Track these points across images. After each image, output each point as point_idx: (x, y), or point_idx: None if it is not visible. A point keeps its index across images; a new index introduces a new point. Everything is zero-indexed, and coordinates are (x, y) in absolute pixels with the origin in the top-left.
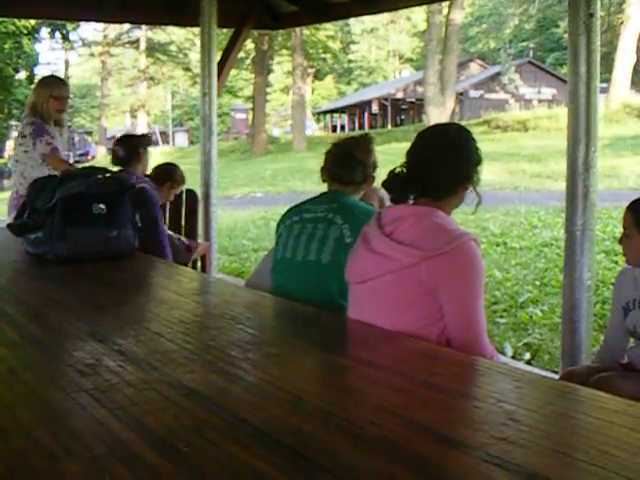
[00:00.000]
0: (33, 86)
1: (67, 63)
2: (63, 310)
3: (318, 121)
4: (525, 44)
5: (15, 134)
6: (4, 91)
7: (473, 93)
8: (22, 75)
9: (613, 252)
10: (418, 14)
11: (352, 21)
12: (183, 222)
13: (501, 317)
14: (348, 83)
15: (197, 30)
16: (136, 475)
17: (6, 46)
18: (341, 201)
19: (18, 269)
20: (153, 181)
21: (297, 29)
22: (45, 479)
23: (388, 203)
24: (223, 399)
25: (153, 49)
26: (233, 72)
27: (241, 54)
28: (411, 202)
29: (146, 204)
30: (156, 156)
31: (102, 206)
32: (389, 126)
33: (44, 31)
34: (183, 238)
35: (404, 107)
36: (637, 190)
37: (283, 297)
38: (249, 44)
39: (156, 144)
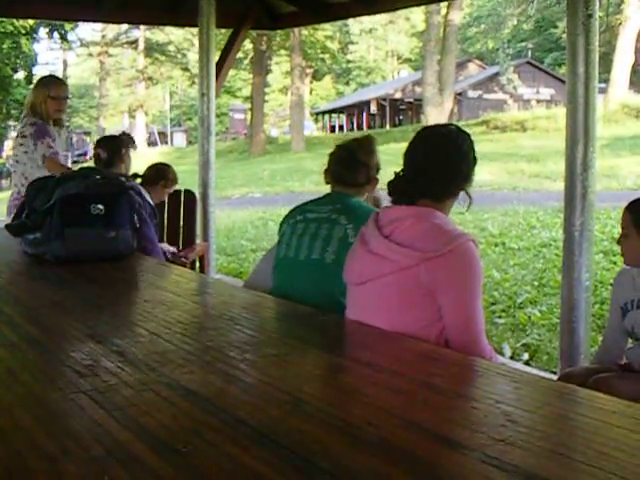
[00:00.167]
0: (32, 86)
1: (65, 63)
2: (61, 311)
3: (316, 121)
4: (523, 44)
5: (13, 134)
6: (2, 91)
7: (471, 93)
8: (20, 75)
9: (611, 252)
10: (416, 14)
11: (350, 21)
12: (181, 222)
13: (499, 317)
14: (346, 83)
15: (195, 30)
16: (134, 476)
17: (4, 46)
18: (345, 202)
19: (16, 269)
20: (146, 181)
21: (295, 29)
22: None
23: (385, 204)
24: (222, 400)
25: (151, 49)
26: (231, 72)
27: (239, 54)
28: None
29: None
30: (155, 156)
31: (100, 207)
32: (387, 126)
33: (42, 31)
34: (171, 249)
35: (402, 107)
36: (635, 190)
37: (284, 296)
38: (247, 44)
39: (154, 144)
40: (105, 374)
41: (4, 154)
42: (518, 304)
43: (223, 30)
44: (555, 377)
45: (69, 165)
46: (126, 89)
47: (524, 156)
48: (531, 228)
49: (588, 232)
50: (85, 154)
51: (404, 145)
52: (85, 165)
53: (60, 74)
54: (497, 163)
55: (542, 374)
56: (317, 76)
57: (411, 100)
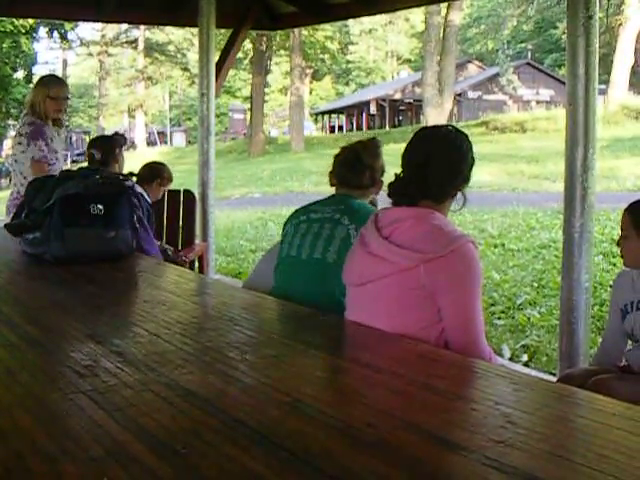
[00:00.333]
0: (32, 85)
1: (65, 62)
2: (61, 311)
3: (316, 122)
4: (523, 45)
5: (13, 133)
6: (2, 90)
7: (471, 94)
8: (20, 74)
9: (611, 254)
10: (416, 15)
11: (350, 22)
12: (181, 223)
13: (499, 319)
14: (346, 84)
15: (195, 30)
16: (134, 477)
17: (4, 45)
18: (348, 203)
19: (16, 269)
20: (141, 180)
21: (295, 29)
22: None
23: (380, 205)
24: (221, 401)
25: (151, 49)
26: (231, 72)
27: (239, 54)
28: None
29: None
30: (154, 156)
31: (100, 207)
32: (387, 127)
33: (42, 30)
34: (169, 247)
35: (402, 108)
36: (635, 192)
37: (285, 294)
38: (247, 44)
39: (154, 144)
40: (105, 374)
41: (3, 153)
42: (517, 305)
43: (223, 30)
44: (554, 378)
45: (65, 166)
46: (126, 89)
47: (524, 157)
48: (531, 229)
49: (588, 234)
50: (84, 153)
51: (404, 146)
52: (84, 164)
53: (60, 73)
54: (497, 164)
55: (541, 375)
56: (317, 76)
57: (411, 101)
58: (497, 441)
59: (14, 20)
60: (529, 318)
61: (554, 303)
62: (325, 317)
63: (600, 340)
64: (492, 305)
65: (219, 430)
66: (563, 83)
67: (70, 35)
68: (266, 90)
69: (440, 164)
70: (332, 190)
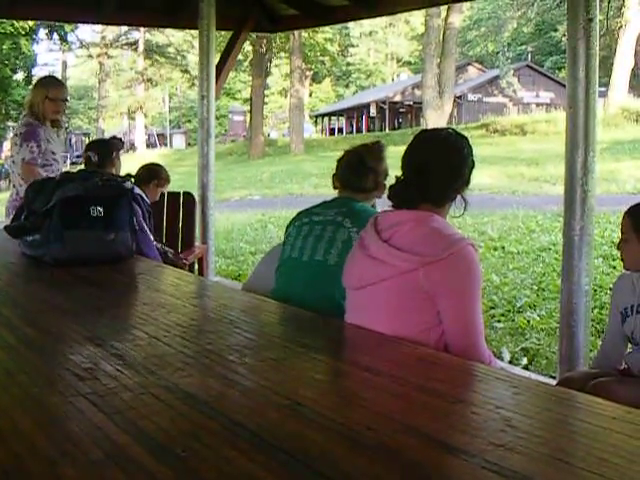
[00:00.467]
0: (32, 87)
1: (65, 64)
2: (60, 313)
3: (316, 124)
4: (523, 48)
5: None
6: (1, 92)
7: (471, 97)
8: (20, 76)
9: (611, 257)
10: (416, 17)
11: (350, 24)
12: (180, 225)
13: (499, 322)
14: (346, 86)
15: (195, 32)
16: None
17: (4, 47)
18: (351, 206)
19: (15, 271)
20: (139, 181)
21: (295, 32)
22: None
23: (380, 208)
24: (220, 404)
25: (151, 51)
26: (231, 74)
27: (239, 56)
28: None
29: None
30: (154, 158)
31: (100, 209)
32: (387, 129)
33: (42, 32)
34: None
35: (402, 110)
36: (635, 194)
37: (286, 296)
38: (247, 46)
39: (154, 146)
40: (104, 377)
41: (3, 155)
42: (517, 308)
43: (223, 32)
44: (554, 382)
45: (64, 168)
46: (125, 91)
47: (524, 160)
48: (530, 232)
49: (588, 236)
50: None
51: (404, 148)
52: (83, 166)
53: (59, 75)
54: (497, 167)
55: (541, 378)
56: (317, 79)
57: (411, 103)
58: (497, 445)
59: (14, 22)
60: (529, 321)
61: (554, 306)
62: (325, 320)
63: (600, 343)
64: (492, 308)
65: (219, 433)
66: (563, 86)
67: (70, 37)
68: (266, 92)
69: (440, 167)
70: (334, 192)
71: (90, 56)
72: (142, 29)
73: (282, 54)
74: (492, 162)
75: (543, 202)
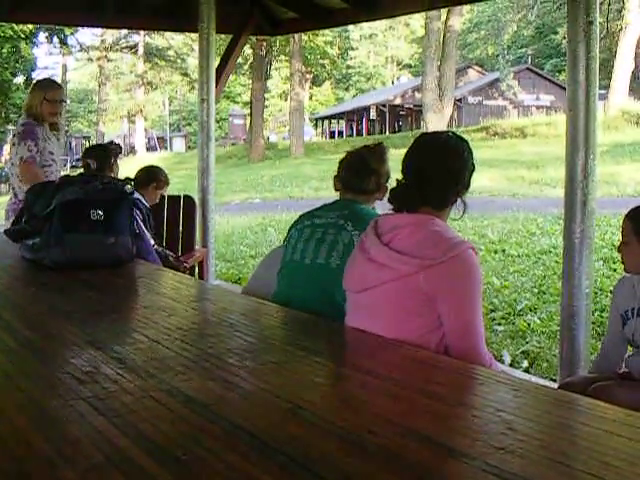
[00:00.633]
0: (29, 88)
1: (65, 68)
2: (60, 316)
3: (316, 127)
4: (523, 50)
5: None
6: (1, 95)
7: (471, 99)
8: (20, 79)
9: (612, 260)
10: (416, 20)
11: (350, 27)
12: (181, 228)
13: (499, 325)
14: (346, 89)
15: (195, 35)
16: None
17: (4, 50)
18: (353, 208)
19: (15, 275)
20: (138, 184)
21: (295, 35)
22: None
23: (378, 210)
24: (221, 407)
25: (151, 54)
26: (231, 77)
27: (239, 59)
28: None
29: None
30: (154, 161)
31: (100, 212)
32: (387, 132)
33: (42, 36)
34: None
35: (402, 113)
36: (635, 197)
37: (288, 299)
38: (247, 49)
39: (154, 149)
40: (105, 381)
41: (3, 158)
42: (518, 311)
43: (223, 35)
44: (555, 385)
45: (64, 171)
46: (125, 94)
47: (524, 162)
48: (531, 235)
49: (588, 240)
50: None
51: (404, 151)
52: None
53: (59, 79)
54: (497, 169)
55: (542, 381)
56: (317, 82)
57: (411, 106)
58: (498, 448)
59: (14, 25)
60: (529, 324)
61: (554, 309)
62: (325, 323)
63: (600, 346)
64: (492, 311)
65: (219, 436)
66: (563, 88)
67: (70, 40)
68: (266, 95)
69: (441, 171)
70: (334, 195)
71: (90, 59)
72: (142, 32)
73: (282, 57)
74: (492, 165)
75: (543, 205)
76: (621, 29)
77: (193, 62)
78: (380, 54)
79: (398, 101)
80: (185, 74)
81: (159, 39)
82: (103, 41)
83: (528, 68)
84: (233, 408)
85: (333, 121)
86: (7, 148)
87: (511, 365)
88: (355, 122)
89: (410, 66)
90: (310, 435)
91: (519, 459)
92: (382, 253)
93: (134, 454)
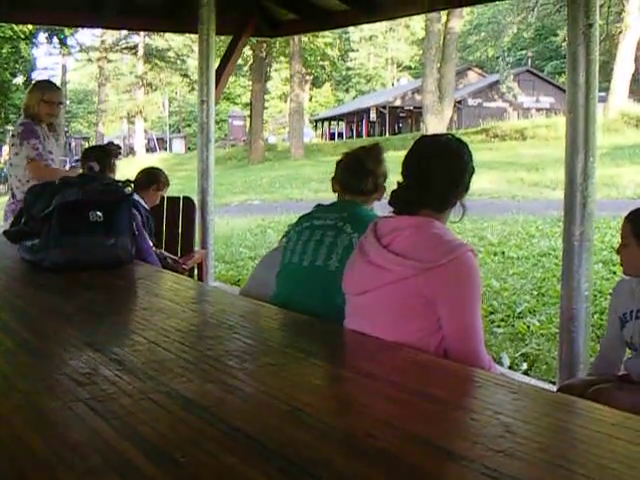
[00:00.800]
0: (28, 89)
1: (64, 68)
2: (59, 318)
3: (316, 129)
4: (523, 52)
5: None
6: (1, 96)
7: (471, 101)
8: (19, 80)
9: (611, 262)
10: (416, 22)
11: (350, 29)
12: (180, 230)
13: (498, 327)
14: (346, 91)
15: (195, 36)
16: None
17: (3, 51)
18: (351, 210)
19: (14, 276)
20: (138, 186)
21: (295, 36)
22: None
23: (378, 212)
24: (220, 409)
25: (151, 55)
26: (231, 79)
27: (239, 61)
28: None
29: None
30: (153, 162)
31: (99, 214)
32: (387, 134)
33: (42, 36)
34: (170, 255)
35: (402, 115)
36: (635, 200)
37: (287, 302)
38: (247, 51)
39: (153, 150)
40: (103, 383)
41: (2, 159)
42: (517, 313)
43: (223, 37)
44: (554, 387)
45: (65, 168)
46: (125, 95)
47: (524, 165)
48: (530, 237)
49: (588, 242)
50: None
51: (403, 153)
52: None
53: (59, 79)
54: (497, 172)
55: (541, 384)
56: (317, 83)
57: (411, 108)
58: (497, 451)
59: (13, 25)
60: (529, 326)
61: (554, 311)
62: (324, 326)
63: (599, 348)
64: (492, 313)
65: (218, 439)
66: (563, 90)
67: (69, 41)
68: (266, 97)
69: (441, 174)
70: (334, 197)
71: (90, 60)
72: (142, 33)
73: (282, 59)
74: (492, 167)
75: (543, 207)
76: (621, 31)
77: (193, 63)
78: (380, 56)
79: (398, 103)
80: (185, 75)
81: (159, 40)
82: (103, 42)
83: (528, 70)
84: (232, 410)
85: (333, 123)
86: (6, 149)
87: (510, 367)
88: (355, 124)
89: (410, 68)
90: (309, 438)
91: (518, 462)
92: (381, 255)
93: (132, 456)
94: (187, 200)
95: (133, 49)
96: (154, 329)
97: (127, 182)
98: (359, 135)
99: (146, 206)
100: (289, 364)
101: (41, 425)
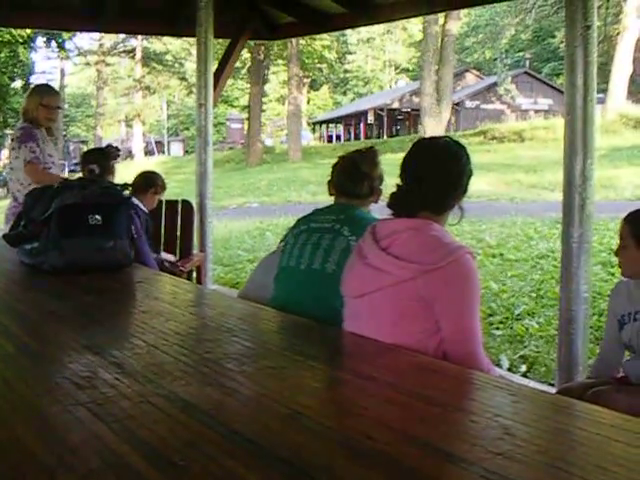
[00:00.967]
0: (26, 94)
1: (63, 72)
2: (59, 321)
3: (314, 131)
4: (521, 54)
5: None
6: None
7: (469, 103)
8: (18, 84)
9: (609, 264)
10: (414, 24)
11: (348, 31)
12: (178, 233)
13: (497, 329)
14: (344, 93)
15: (193, 40)
16: None
17: (2, 55)
18: (349, 213)
19: (13, 279)
20: (136, 190)
21: (293, 39)
22: None
23: (377, 215)
24: (219, 412)
25: (149, 58)
26: (229, 82)
27: (237, 64)
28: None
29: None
30: (152, 166)
31: (98, 217)
32: (385, 136)
33: (40, 40)
34: (170, 257)
35: (400, 117)
36: (634, 201)
37: (284, 305)
38: (245, 54)
39: (152, 154)
40: (103, 386)
41: (1, 163)
42: (516, 315)
43: (221, 40)
44: (553, 389)
45: (64, 174)
46: (123, 98)
47: (522, 167)
48: (529, 239)
49: (586, 244)
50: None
51: (401, 155)
52: (81, 174)
53: (57, 83)
54: (495, 174)
55: (540, 386)
56: (314, 86)
57: (408, 110)
58: (496, 453)
59: (12, 30)
60: (527, 328)
61: (553, 313)
62: (323, 328)
63: (598, 351)
64: (490, 315)
65: (217, 442)
66: (561, 92)
67: (68, 45)
68: (264, 100)
69: (439, 176)
70: (331, 199)
71: (88, 64)
72: (140, 37)
73: (280, 61)
74: (490, 169)
75: (541, 209)
76: (619, 33)
77: (191, 66)
78: (378, 58)
79: (396, 105)
80: (183, 78)
81: (157, 44)
82: (101, 45)
83: (526, 72)
84: (231, 413)
85: (331, 125)
86: (5, 152)
87: (509, 370)
88: (353, 126)
89: (408, 70)
90: (309, 441)
91: (517, 464)
92: (380, 258)
93: (132, 459)
94: (185, 203)
95: (131, 52)
96: (153, 332)
97: (125, 185)
98: (357, 138)
99: (145, 210)
100: (288, 367)
101: (41, 428)
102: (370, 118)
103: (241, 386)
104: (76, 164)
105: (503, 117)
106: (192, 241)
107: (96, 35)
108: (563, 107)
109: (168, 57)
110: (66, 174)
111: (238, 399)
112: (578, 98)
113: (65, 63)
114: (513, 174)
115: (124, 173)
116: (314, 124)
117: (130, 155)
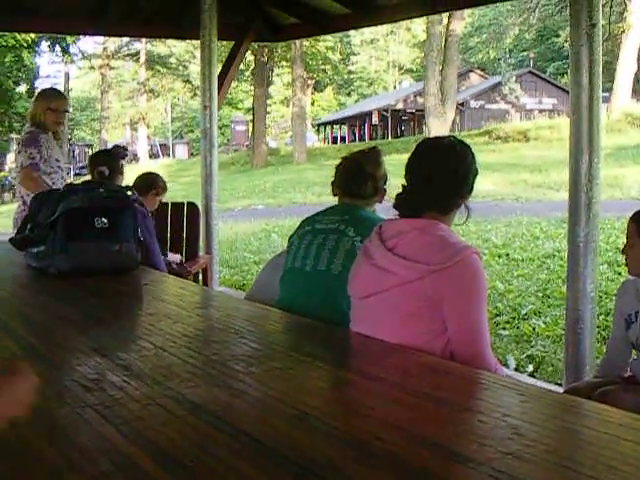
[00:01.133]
0: (34, 98)
1: (67, 76)
2: (66, 324)
3: (318, 133)
4: (525, 54)
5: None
6: (4, 104)
7: (473, 103)
8: (22, 88)
9: (616, 263)
10: (418, 25)
11: (352, 32)
12: (184, 235)
13: (504, 329)
14: (348, 94)
15: (197, 42)
16: None
17: (6, 59)
18: (353, 213)
19: (20, 283)
20: (137, 190)
21: (297, 41)
22: None
23: (383, 215)
24: (227, 414)
25: (153, 61)
26: (233, 84)
27: (241, 66)
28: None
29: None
30: (157, 168)
31: (104, 220)
32: (389, 137)
33: (44, 44)
34: (177, 257)
35: (404, 118)
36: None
37: (290, 306)
38: (249, 56)
39: (156, 156)
40: (111, 388)
41: (7, 167)
42: (522, 315)
43: (225, 42)
44: (560, 389)
45: (68, 179)
46: (128, 101)
47: (527, 166)
48: (535, 239)
49: (593, 243)
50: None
51: (406, 156)
52: (87, 177)
53: (62, 87)
54: (500, 173)
55: (547, 386)
56: (319, 87)
57: (413, 111)
58: (505, 453)
59: (16, 34)
60: (534, 328)
61: (559, 313)
62: (330, 329)
63: (605, 350)
64: (497, 315)
65: (225, 443)
66: (566, 91)
67: (72, 48)
68: (268, 102)
69: (445, 176)
70: (336, 200)
71: (92, 67)
72: (144, 40)
73: (284, 63)
74: (495, 169)
75: (547, 209)
76: (623, 31)
77: (195, 69)
78: (382, 59)
79: (400, 106)
80: (187, 81)
81: (161, 46)
82: (105, 49)
83: (530, 71)
84: (239, 414)
85: (335, 127)
86: (10, 157)
87: (516, 369)
88: (357, 127)
89: (412, 71)
90: (316, 441)
91: (526, 464)
92: (386, 258)
93: (141, 461)
94: (191, 206)
95: (135, 56)
96: (160, 334)
97: (127, 188)
98: (361, 139)
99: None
100: (296, 368)
101: (50, 431)
102: (374, 119)
103: (249, 387)
104: (82, 167)
105: (507, 117)
106: (198, 243)
107: (100, 39)
108: (568, 106)
109: (172, 60)
110: (72, 178)
111: (246, 400)
112: (583, 97)
113: (69, 67)
114: (518, 174)
115: (129, 176)
116: (318, 125)
117: (135, 158)
